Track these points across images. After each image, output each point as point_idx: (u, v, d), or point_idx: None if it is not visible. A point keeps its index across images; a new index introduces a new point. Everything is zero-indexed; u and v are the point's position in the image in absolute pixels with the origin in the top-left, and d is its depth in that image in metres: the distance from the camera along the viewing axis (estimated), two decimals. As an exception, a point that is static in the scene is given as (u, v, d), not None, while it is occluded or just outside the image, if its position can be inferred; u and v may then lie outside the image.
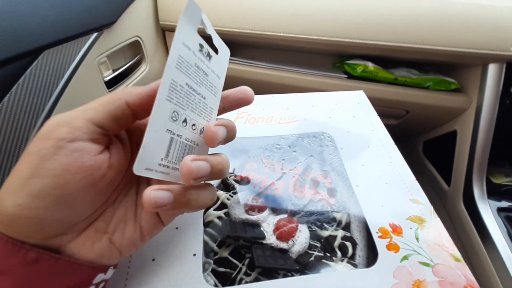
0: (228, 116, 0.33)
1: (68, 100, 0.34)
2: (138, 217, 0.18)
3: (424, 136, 0.68)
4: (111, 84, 0.44)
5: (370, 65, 0.54)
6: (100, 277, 0.16)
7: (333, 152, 0.30)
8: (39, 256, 0.14)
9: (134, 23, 0.49)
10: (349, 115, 0.34)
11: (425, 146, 0.69)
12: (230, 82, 0.61)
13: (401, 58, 0.54)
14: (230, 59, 0.62)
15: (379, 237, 0.23)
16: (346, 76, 0.56)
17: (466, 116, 0.55)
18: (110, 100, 0.16)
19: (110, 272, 0.17)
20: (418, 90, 0.55)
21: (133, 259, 0.21)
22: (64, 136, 0.14)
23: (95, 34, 0.38)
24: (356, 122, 0.33)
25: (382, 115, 0.61)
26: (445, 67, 0.59)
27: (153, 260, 0.21)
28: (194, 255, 0.22)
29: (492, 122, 0.51)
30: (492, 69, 0.50)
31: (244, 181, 0.28)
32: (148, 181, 0.19)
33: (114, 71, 0.46)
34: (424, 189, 0.73)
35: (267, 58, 0.60)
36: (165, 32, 0.60)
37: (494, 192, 0.52)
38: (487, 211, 0.50)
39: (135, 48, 0.52)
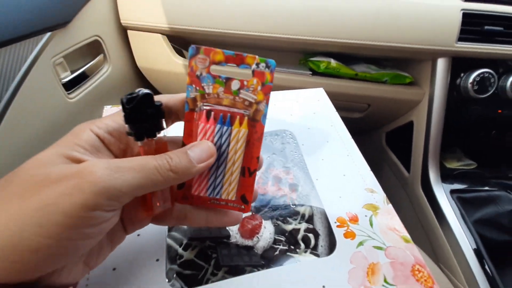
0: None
1: (21, 103, 0.32)
2: (110, 234, 0.18)
3: (386, 127, 0.73)
4: (70, 85, 0.42)
5: (333, 62, 0.57)
6: None
7: (294, 148, 0.31)
8: None
9: (92, 22, 0.47)
10: (309, 112, 0.35)
11: (387, 137, 0.74)
12: None
13: (360, 54, 0.57)
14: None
15: (337, 226, 0.25)
16: (311, 72, 0.58)
17: (420, 107, 0.60)
18: (160, 184, 0.16)
19: None
20: (377, 84, 0.59)
21: (92, 270, 0.20)
22: (111, 209, 0.15)
23: (48, 34, 0.37)
24: (316, 119, 0.34)
25: (347, 109, 0.65)
26: (401, 62, 0.63)
27: (114, 269, 0.21)
28: (157, 260, 0.21)
29: (442, 112, 0.56)
30: (440, 63, 0.55)
31: None
32: None
33: (72, 72, 0.43)
34: (388, 176, 0.78)
35: None
36: (127, 31, 0.58)
37: (447, 176, 0.58)
38: (442, 193, 0.55)
39: (95, 48, 0.50)
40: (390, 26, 0.51)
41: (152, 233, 0.23)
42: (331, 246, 0.25)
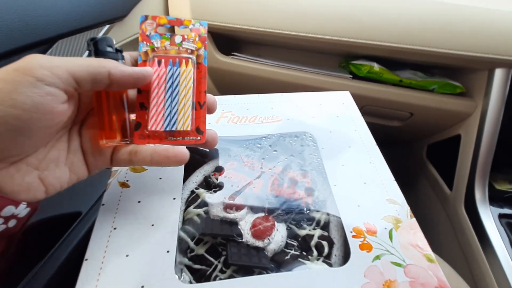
0: (212, 115, 0.34)
1: None
2: (68, 162, 0.19)
3: (428, 139, 0.68)
4: None
5: (376, 66, 0.54)
6: (9, 209, 0.16)
7: (313, 151, 0.30)
8: None
9: None
10: (332, 115, 0.34)
11: (429, 150, 0.69)
12: (237, 78, 0.61)
13: (407, 60, 0.54)
14: (236, 55, 0.63)
15: (353, 236, 0.23)
16: (351, 76, 0.56)
17: (470, 120, 0.54)
18: (95, 64, 0.18)
19: (23, 208, 0.17)
20: (423, 92, 0.55)
21: (107, 254, 0.21)
22: (44, 78, 0.16)
23: (107, 26, 0.40)
24: (339, 122, 0.33)
25: (386, 116, 0.62)
26: (451, 71, 0.58)
27: (127, 256, 0.21)
28: (168, 251, 0.22)
29: (496, 128, 0.50)
30: (498, 74, 0.49)
31: (220, 182, 0.28)
32: (80, 131, 0.21)
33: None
34: (426, 192, 0.72)
35: (274, 56, 0.61)
36: (174, 27, 0.61)
37: (496, 198, 0.52)
38: (488, 216, 0.49)
39: None
40: (444, 31, 0.47)
41: (166, 224, 0.23)
42: (346, 256, 0.23)
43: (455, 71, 0.58)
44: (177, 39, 0.24)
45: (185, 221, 0.26)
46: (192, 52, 0.24)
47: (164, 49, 0.23)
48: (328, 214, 0.26)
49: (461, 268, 0.52)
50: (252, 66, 0.58)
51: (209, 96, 0.24)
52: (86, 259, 0.21)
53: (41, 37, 0.29)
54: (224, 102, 0.35)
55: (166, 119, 0.22)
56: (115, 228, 0.23)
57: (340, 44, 0.51)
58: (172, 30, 0.58)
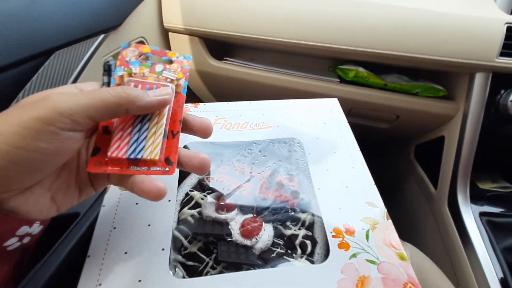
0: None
1: None
2: (78, 181, 0.20)
3: (416, 140, 0.70)
4: None
5: (362, 70, 0.56)
6: (24, 229, 0.17)
7: (300, 157, 0.32)
8: None
9: (139, 25, 0.52)
10: (320, 122, 0.36)
11: (417, 150, 0.71)
12: (229, 83, 0.64)
13: (392, 64, 0.56)
14: (228, 60, 0.64)
15: (333, 236, 0.25)
16: (338, 80, 0.58)
17: (453, 122, 0.56)
18: (112, 104, 0.18)
19: (36, 227, 0.18)
20: (407, 96, 0.57)
21: (108, 252, 0.23)
22: (64, 127, 0.16)
23: (101, 36, 0.41)
24: (326, 129, 0.35)
25: (374, 118, 0.64)
26: (435, 75, 0.60)
27: (126, 253, 0.24)
28: (163, 249, 0.24)
29: (477, 129, 0.53)
30: (478, 78, 0.52)
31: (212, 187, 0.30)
32: (87, 148, 0.21)
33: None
34: (414, 191, 0.74)
35: (266, 60, 0.63)
36: (168, 34, 0.63)
37: (478, 197, 0.54)
38: (469, 215, 0.51)
39: None
40: (426, 38, 0.49)
41: (161, 224, 0.26)
42: (327, 254, 0.25)
43: (438, 75, 0.60)
44: (158, 68, 0.23)
45: (179, 221, 0.28)
46: (171, 81, 0.23)
47: (142, 75, 0.22)
48: (313, 215, 0.29)
49: (443, 263, 0.54)
50: (244, 71, 0.61)
51: (203, 120, 0.23)
52: (89, 256, 0.23)
53: (38, 49, 0.30)
54: (218, 109, 0.37)
55: (131, 145, 0.20)
56: (114, 228, 0.25)
57: (327, 50, 0.53)
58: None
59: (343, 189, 0.29)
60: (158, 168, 0.20)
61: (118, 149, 0.19)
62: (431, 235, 0.61)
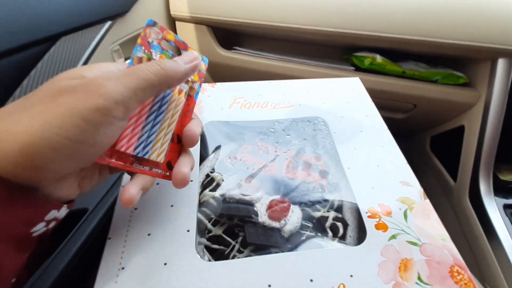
0: (224, 101, 0.34)
1: None
2: (98, 164, 0.19)
3: (431, 131, 0.68)
4: None
5: (378, 58, 0.54)
6: (52, 214, 0.16)
7: (326, 136, 0.31)
8: None
9: (146, 13, 0.50)
10: (343, 100, 0.34)
11: (432, 141, 0.69)
12: (239, 73, 0.61)
13: (409, 51, 0.54)
14: (238, 49, 0.62)
15: (368, 217, 0.24)
16: (353, 68, 0.56)
17: (474, 111, 0.54)
18: (156, 83, 0.17)
19: (63, 210, 0.17)
20: (426, 83, 0.54)
21: (129, 233, 0.22)
22: (119, 116, 0.16)
23: (109, 23, 0.39)
24: (350, 108, 0.33)
25: (389, 108, 0.62)
26: (454, 61, 0.58)
27: (149, 235, 0.22)
28: (188, 231, 0.22)
29: (500, 118, 0.50)
30: (501, 64, 0.49)
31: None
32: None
33: (126, 59, 0.46)
34: (430, 184, 0.72)
35: (275, 50, 0.60)
36: (175, 22, 0.60)
37: (501, 189, 0.52)
38: (493, 207, 0.49)
39: None
40: (446, 21, 0.46)
41: (184, 205, 0.24)
42: (360, 237, 0.24)
43: (458, 62, 0.58)
44: None
45: (201, 203, 0.26)
46: (186, 82, 0.22)
47: None
48: (341, 196, 0.27)
49: (467, 259, 0.53)
50: (253, 60, 0.58)
51: (192, 128, 0.21)
52: (109, 238, 0.21)
53: (44, 34, 0.29)
54: (236, 88, 0.35)
55: (140, 143, 0.19)
56: (136, 209, 0.23)
57: (342, 36, 0.51)
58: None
59: (374, 168, 0.27)
60: (159, 170, 0.20)
61: (127, 144, 0.18)
62: (451, 228, 0.59)
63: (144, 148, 0.19)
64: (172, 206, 0.24)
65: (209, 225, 0.25)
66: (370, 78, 0.55)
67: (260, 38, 0.63)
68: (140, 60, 0.20)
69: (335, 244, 0.24)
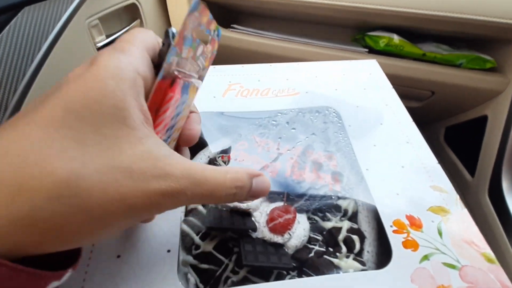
0: (217, 87, 0.29)
1: (53, 65, 0.30)
2: None
3: (447, 121, 0.62)
4: None
5: (396, 38, 0.48)
6: (53, 285, 0.13)
7: (339, 130, 0.26)
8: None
9: None
10: (359, 87, 0.29)
11: (447, 132, 0.63)
12: (236, 54, 0.55)
13: (430, 30, 0.47)
14: (236, 28, 0.55)
15: (394, 231, 0.19)
16: (367, 50, 0.50)
17: (500, 99, 0.48)
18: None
19: (66, 277, 0.14)
20: (448, 68, 0.48)
21: (94, 256, 0.17)
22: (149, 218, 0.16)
23: None
24: (367, 96, 0.28)
25: (404, 96, 0.54)
26: (480, 43, 0.51)
27: (118, 257, 0.17)
28: (169, 251, 0.18)
29: None
30: None
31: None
32: None
33: (108, 36, 0.41)
34: None
35: (278, 30, 0.54)
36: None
37: None
38: None
39: (132, 12, 0.47)
40: None
41: (165, 217, 0.19)
42: (381, 253, 0.19)
43: (484, 44, 0.51)
44: (199, 50, 0.17)
45: (188, 212, 0.22)
46: (198, 71, 0.18)
47: (186, 61, 0.17)
48: (355, 202, 0.22)
49: None
50: (253, 40, 0.52)
51: (192, 127, 0.18)
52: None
53: (5, 3, 0.25)
54: (231, 73, 0.29)
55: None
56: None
57: (354, 12, 0.45)
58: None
59: (398, 169, 0.23)
60: None
61: None
62: None
63: None
64: (149, 218, 0.19)
65: (196, 239, 0.20)
66: (384, 61, 0.49)
67: (260, 16, 0.57)
68: (169, 66, 0.15)
69: (351, 263, 0.20)
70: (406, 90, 0.53)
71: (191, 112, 0.19)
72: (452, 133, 0.62)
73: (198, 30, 0.16)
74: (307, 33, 0.55)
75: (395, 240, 0.19)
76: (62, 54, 0.31)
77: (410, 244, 0.19)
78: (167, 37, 0.15)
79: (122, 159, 0.12)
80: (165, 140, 0.16)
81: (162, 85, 0.15)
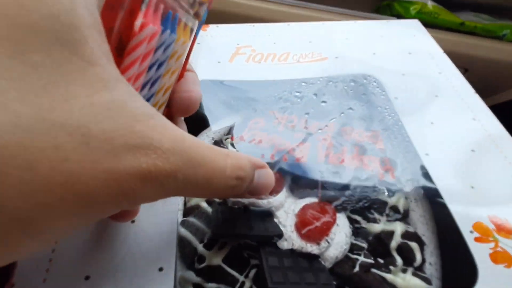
0: (223, 50, 0.22)
1: None
2: None
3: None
4: None
5: (430, 4, 0.43)
6: None
7: (383, 103, 0.20)
8: None
9: None
10: (403, 51, 0.23)
11: None
12: (233, 20, 0.48)
13: None
14: None
15: (476, 239, 0.14)
16: (395, 18, 0.44)
17: None
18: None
19: None
20: (488, 40, 0.43)
21: (52, 275, 0.12)
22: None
23: None
24: (414, 62, 0.23)
25: None
26: None
27: (87, 278, 0.12)
28: (161, 269, 0.13)
29: None
30: None
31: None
32: None
33: None
34: None
35: None
36: None
37: None
38: None
39: None
40: None
41: (154, 223, 0.14)
42: (447, 265, 0.14)
43: None
44: None
45: (187, 210, 0.16)
46: (192, 4, 0.13)
47: None
48: (406, 197, 0.17)
49: None
50: (256, 5, 0.45)
51: (189, 88, 0.14)
52: (13, 286, 0.11)
53: None
54: (239, 33, 0.23)
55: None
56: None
57: None
58: None
59: (468, 154, 0.17)
60: None
61: None
62: None
63: None
64: (133, 221, 0.13)
65: (200, 248, 0.15)
66: None
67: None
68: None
69: (409, 278, 0.15)
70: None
71: (185, 70, 0.14)
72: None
73: None
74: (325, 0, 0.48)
75: (479, 251, 0.14)
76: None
77: (501, 257, 0.13)
78: None
79: (71, 113, 0.07)
80: (147, 91, 0.11)
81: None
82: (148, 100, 0.12)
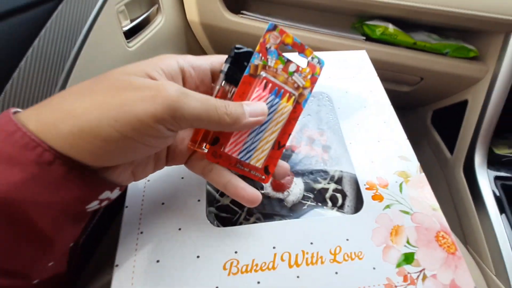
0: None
1: (90, 48, 0.35)
2: (156, 158, 0.21)
3: (434, 104, 0.68)
4: (129, 34, 0.43)
5: (390, 27, 0.52)
6: (106, 194, 0.18)
7: (330, 111, 0.31)
8: (55, 160, 0.14)
9: None
10: (349, 75, 0.34)
11: (434, 115, 0.69)
12: (245, 39, 0.59)
13: (422, 21, 0.51)
14: (246, 14, 0.59)
15: (366, 189, 0.26)
16: (364, 38, 0.54)
17: (479, 85, 0.54)
18: (214, 123, 0.18)
19: (116, 192, 0.19)
20: (435, 56, 0.53)
21: (145, 202, 0.24)
22: (171, 128, 0.17)
23: None
24: (356, 83, 0.33)
25: (396, 81, 0.61)
26: (467, 33, 0.56)
27: (163, 204, 0.24)
28: (199, 200, 0.24)
29: (505, 94, 0.50)
30: None
31: None
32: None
33: (131, 21, 0.44)
34: (428, 157, 0.73)
35: (284, 15, 0.58)
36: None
37: (494, 162, 0.54)
38: (485, 178, 0.51)
39: None
40: None
41: (195, 177, 0.25)
42: (358, 207, 0.26)
43: (470, 34, 0.56)
44: (292, 67, 0.21)
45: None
46: (297, 88, 0.22)
47: (275, 71, 0.21)
48: (341, 170, 0.28)
49: (453, 226, 0.56)
50: (261, 26, 0.56)
51: (283, 164, 0.23)
52: (127, 206, 0.23)
53: None
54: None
55: (244, 149, 0.21)
56: (148, 180, 0.25)
57: (355, 2, 0.49)
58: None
59: (374, 143, 0.28)
60: (257, 173, 0.22)
61: (234, 148, 0.21)
62: (442, 198, 0.62)
63: (247, 153, 0.21)
64: (182, 178, 0.25)
65: (217, 196, 0.27)
66: (379, 48, 0.54)
67: (267, 2, 0.61)
68: (256, 69, 0.20)
69: (334, 213, 0.26)
70: (398, 75, 0.58)
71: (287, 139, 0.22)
72: (438, 116, 0.68)
73: (283, 48, 0.21)
74: (311, 18, 0.59)
75: (366, 195, 0.25)
76: (97, 37, 0.36)
77: (377, 197, 0.25)
78: (231, 50, 0.20)
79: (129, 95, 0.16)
80: (254, 133, 0.20)
81: (246, 79, 0.20)
82: (254, 142, 0.21)
